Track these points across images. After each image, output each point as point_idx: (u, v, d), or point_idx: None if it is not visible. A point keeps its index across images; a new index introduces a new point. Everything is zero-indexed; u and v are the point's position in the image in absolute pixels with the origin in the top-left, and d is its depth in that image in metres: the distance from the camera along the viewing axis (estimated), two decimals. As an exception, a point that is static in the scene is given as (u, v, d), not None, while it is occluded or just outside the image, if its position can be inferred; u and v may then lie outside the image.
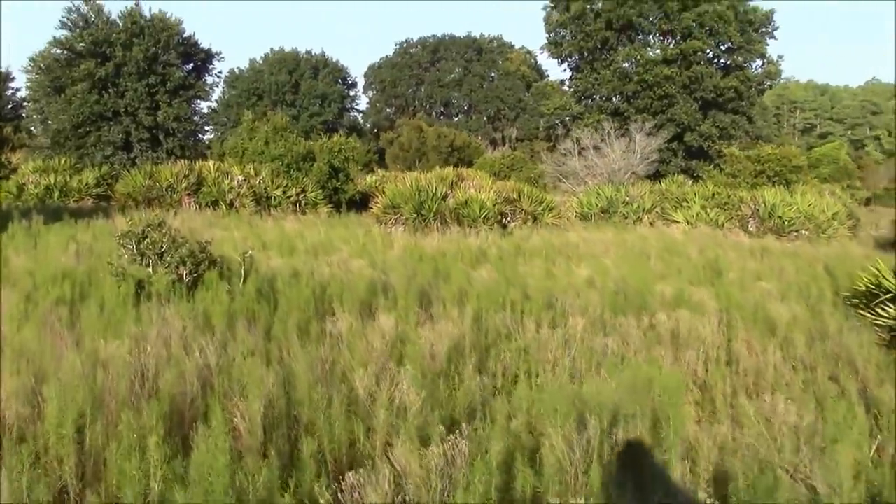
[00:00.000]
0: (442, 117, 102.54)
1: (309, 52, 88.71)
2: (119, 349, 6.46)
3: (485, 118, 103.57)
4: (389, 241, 17.18)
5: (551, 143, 55.62)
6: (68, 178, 31.16)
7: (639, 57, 46.10)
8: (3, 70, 61.25)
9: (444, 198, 22.50)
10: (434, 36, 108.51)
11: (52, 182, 30.66)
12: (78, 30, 35.68)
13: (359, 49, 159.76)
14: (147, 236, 9.99)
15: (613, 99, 47.10)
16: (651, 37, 47.87)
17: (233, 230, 19.47)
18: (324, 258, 13.67)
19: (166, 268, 9.70)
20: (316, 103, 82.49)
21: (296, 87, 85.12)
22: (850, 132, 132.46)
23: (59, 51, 35.81)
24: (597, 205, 27.04)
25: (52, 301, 8.74)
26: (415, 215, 22.17)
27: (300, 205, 31.11)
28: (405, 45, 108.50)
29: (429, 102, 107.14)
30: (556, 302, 9.37)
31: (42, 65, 35.76)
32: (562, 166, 35.65)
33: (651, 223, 26.14)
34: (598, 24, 46.95)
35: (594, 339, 8.07)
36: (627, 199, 27.00)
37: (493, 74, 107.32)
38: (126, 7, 36.62)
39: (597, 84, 47.26)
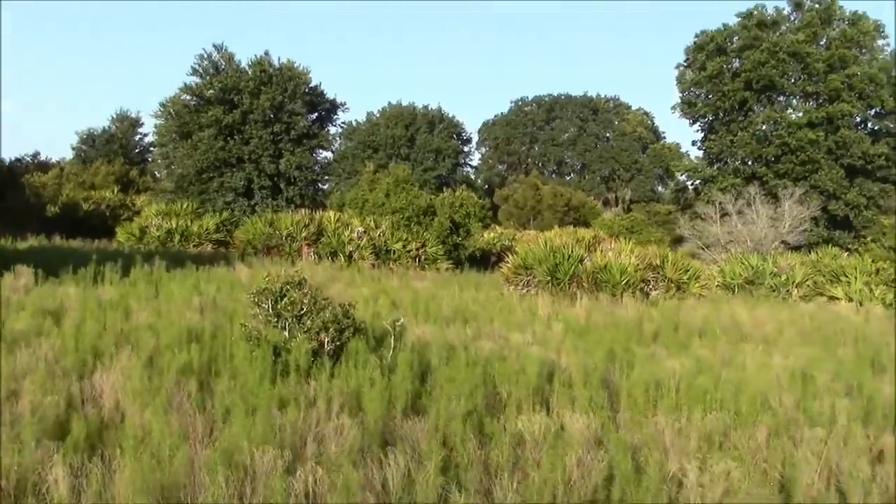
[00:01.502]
0: (554, 176, 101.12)
1: (425, 107, 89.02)
2: (265, 455, 5.05)
3: (598, 178, 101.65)
4: (531, 308, 15.60)
5: (679, 207, 53.26)
6: (189, 223, 30.94)
7: (780, 119, 43.59)
8: (133, 116, 63.41)
9: (581, 260, 20.83)
10: (549, 94, 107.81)
11: (174, 226, 30.47)
12: (208, 77, 35.93)
13: (474, 105, 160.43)
14: (285, 295, 8.71)
15: (749, 162, 44.56)
16: (793, 99, 45.38)
17: (359, 286, 18.29)
18: (471, 326, 12.19)
19: (305, 333, 8.37)
20: (430, 157, 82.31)
21: (411, 140, 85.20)
22: None
23: (188, 97, 36.09)
24: (741, 275, 24.88)
25: (178, 368, 7.49)
26: (548, 278, 20.56)
27: (420, 259, 30.00)
28: (520, 103, 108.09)
29: (541, 161, 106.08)
30: (779, 406, 7.57)
31: (171, 110, 36.08)
32: (700, 232, 33.49)
33: (803, 298, 23.81)
34: (737, 84, 44.74)
35: None
36: (776, 270, 24.76)
37: (608, 134, 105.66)
38: (255, 55, 36.57)
39: (733, 146, 44.90)
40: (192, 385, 7.01)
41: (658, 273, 20.92)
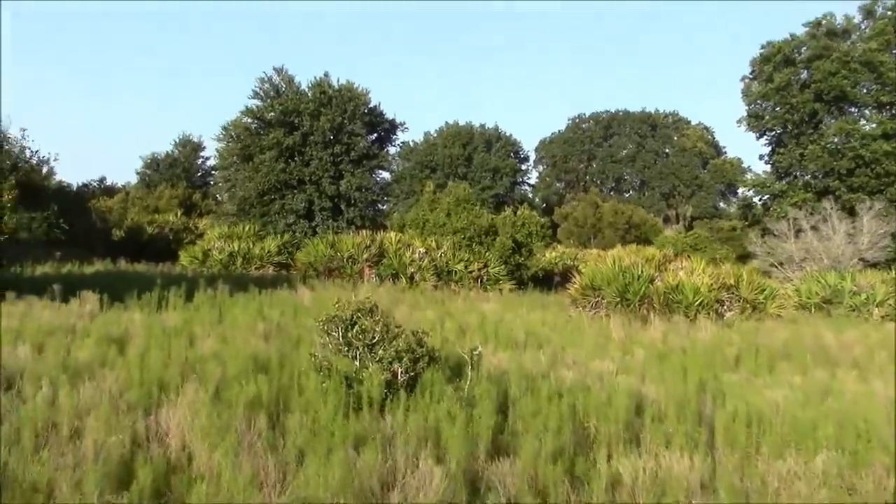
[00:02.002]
0: (613, 193, 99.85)
1: (482, 126, 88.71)
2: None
3: (658, 195, 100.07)
4: (603, 331, 14.98)
5: (746, 223, 51.85)
6: (251, 246, 30.98)
7: (853, 131, 42.15)
8: (195, 140, 64.36)
9: (651, 280, 20.13)
10: (607, 111, 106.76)
11: (236, 249, 30.53)
12: (269, 99, 36.07)
13: (531, 123, 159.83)
14: (356, 323, 8.30)
15: (820, 176, 43.07)
16: (866, 109, 43.87)
17: (424, 309, 17.87)
18: (545, 352, 11.64)
19: (377, 362, 7.95)
20: (488, 176, 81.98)
21: (468, 160, 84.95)
22: None
23: (249, 120, 36.26)
24: (818, 294, 23.87)
25: (246, 402, 7.11)
26: (618, 299, 19.90)
27: (482, 280, 29.53)
28: (577, 120, 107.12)
29: (600, 178, 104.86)
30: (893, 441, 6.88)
31: (233, 133, 36.28)
32: (772, 249, 32.35)
33: (884, 318, 22.71)
34: (806, 96, 43.43)
35: None
36: (855, 288, 23.71)
37: (667, 150, 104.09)
38: (315, 77, 36.64)
39: (803, 160, 43.53)
40: (261, 421, 6.61)
41: (733, 293, 20.11)
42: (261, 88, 36.24)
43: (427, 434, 6.45)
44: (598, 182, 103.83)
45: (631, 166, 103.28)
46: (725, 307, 19.79)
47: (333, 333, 8.39)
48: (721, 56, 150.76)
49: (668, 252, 23.82)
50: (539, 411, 7.06)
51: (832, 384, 10.07)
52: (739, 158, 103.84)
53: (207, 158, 62.56)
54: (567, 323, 16.54)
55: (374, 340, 8.15)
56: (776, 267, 30.80)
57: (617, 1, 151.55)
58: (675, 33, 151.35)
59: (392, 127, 38.58)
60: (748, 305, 20.10)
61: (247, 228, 32.53)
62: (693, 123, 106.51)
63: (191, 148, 63.72)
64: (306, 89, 36.40)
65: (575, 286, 21.35)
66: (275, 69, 36.32)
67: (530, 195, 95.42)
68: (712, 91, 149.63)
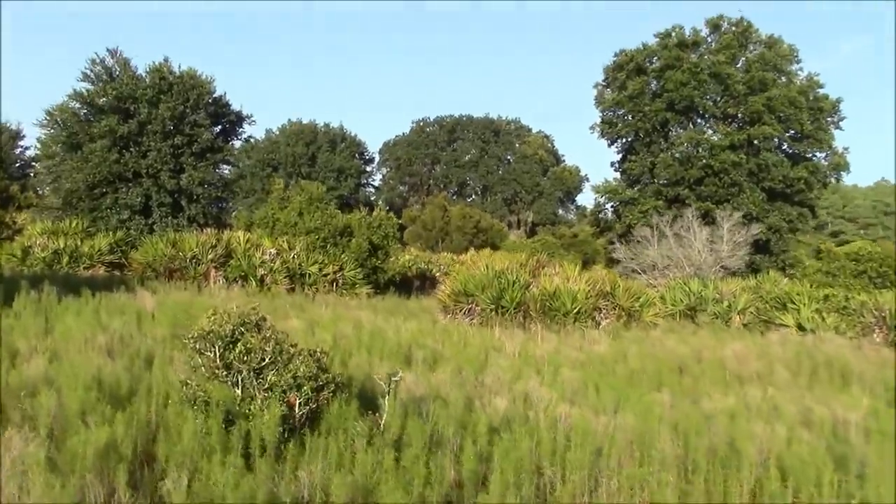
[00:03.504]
0: (456, 197, 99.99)
1: (327, 125, 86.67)
2: None
3: (500, 200, 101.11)
4: (492, 343, 13.71)
5: (598, 229, 52.43)
6: (79, 243, 27.83)
7: (704, 141, 43.25)
8: (14, 128, 58.93)
9: (527, 287, 19.13)
10: (451, 115, 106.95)
11: (62, 246, 27.32)
12: (101, 83, 32.73)
13: (374, 124, 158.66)
14: (238, 340, 6.56)
15: (671, 184, 43.81)
16: (713, 120, 45.16)
17: (285, 317, 16.01)
18: (444, 369, 10.19)
19: (267, 390, 6.26)
20: (332, 177, 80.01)
21: (312, 159, 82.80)
22: (862, 231, 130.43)
23: (78, 105, 32.77)
24: (682, 301, 23.70)
25: (97, 452, 5.24)
26: (492, 306, 18.77)
27: (337, 284, 27.80)
28: (422, 124, 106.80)
29: (443, 182, 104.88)
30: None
31: (59, 119, 32.63)
32: (637, 255, 32.32)
33: (745, 326, 22.79)
34: (658, 105, 44.22)
35: None
36: (717, 296, 23.72)
37: (509, 157, 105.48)
38: (153, 62, 33.60)
39: (654, 168, 44.28)
40: (121, 483, 4.79)
41: (609, 300, 19.41)
42: (92, 70, 32.78)
43: (353, 492, 4.84)
44: (442, 186, 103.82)
45: (474, 171, 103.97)
46: (602, 314, 19.04)
47: (208, 353, 6.58)
48: (562, 64, 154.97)
49: (541, 257, 22.97)
50: (484, 455, 5.59)
51: (763, 405, 9.18)
52: (577, 166, 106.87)
53: (27, 148, 57.43)
54: (452, 333, 15.15)
55: (264, 363, 6.43)
56: (639, 273, 30.79)
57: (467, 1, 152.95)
58: (521, 39, 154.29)
59: (238, 119, 36.02)
60: (624, 313, 19.46)
61: (74, 224, 29.22)
62: (534, 131, 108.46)
63: (8, 136, 58.21)
64: (144, 74, 33.32)
65: (445, 292, 20.09)
66: (108, 50, 33.01)
67: (373, 197, 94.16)
68: (551, 99, 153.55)
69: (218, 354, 6.55)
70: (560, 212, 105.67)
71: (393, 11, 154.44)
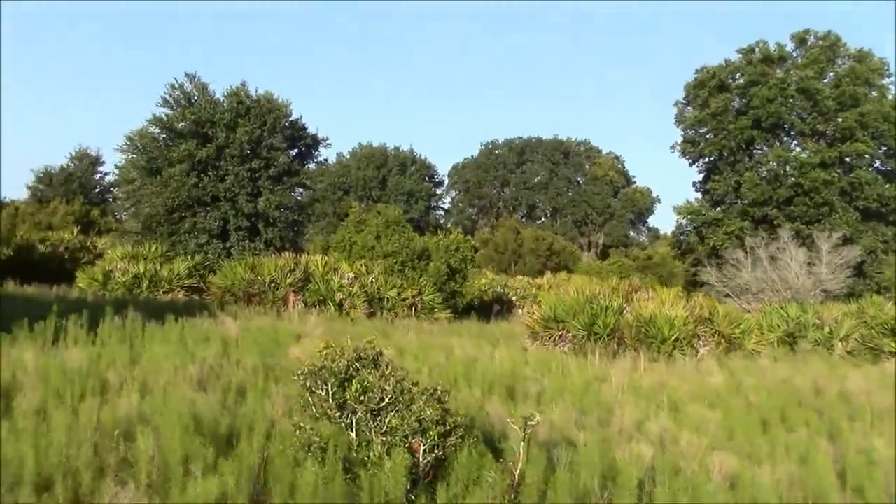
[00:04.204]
0: (525, 220, 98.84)
1: (397, 148, 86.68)
2: None
3: (571, 222, 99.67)
4: (588, 371, 12.85)
5: (679, 251, 50.95)
6: (159, 267, 27.80)
7: (793, 159, 41.67)
8: (94, 154, 60.20)
9: (621, 312, 18.20)
10: (520, 137, 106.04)
11: (142, 271, 27.32)
12: (180, 108, 32.93)
13: (443, 147, 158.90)
14: (353, 377, 5.89)
15: (758, 204, 42.13)
16: (802, 137, 43.45)
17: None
18: (555, 405, 9.38)
19: (385, 434, 5.56)
20: (403, 200, 79.78)
21: (383, 182, 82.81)
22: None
23: (157, 130, 33.02)
24: (780, 327, 22.42)
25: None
26: (584, 332, 17.88)
27: (416, 308, 27.21)
28: (490, 146, 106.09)
29: (513, 204, 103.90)
30: None
31: (139, 144, 32.89)
32: (729, 279, 30.99)
33: (849, 353, 21.43)
34: (743, 122, 42.77)
35: None
36: (818, 321, 22.39)
37: (579, 178, 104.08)
38: (231, 86, 33.68)
39: (740, 187, 42.77)
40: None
41: (708, 327, 18.34)
42: (170, 95, 33.06)
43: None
44: (511, 208, 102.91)
45: (544, 193, 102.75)
46: (701, 342, 17.99)
47: (319, 391, 5.92)
48: (631, 87, 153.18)
49: (634, 281, 22.00)
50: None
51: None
52: (649, 188, 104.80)
53: (106, 173, 58.68)
54: (544, 362, 14.33)
55: (383, 404, 5.74)
56: (731, 297, 29.48)
57: (534, 33, 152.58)
58: (588, 62, 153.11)
59: (314, 142, 35.89)
60: (723, 340, 18.36)
61: (153, 248, 29.26)
62: (604, 152, 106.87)
63: (88, 162, 59.62)
64: (222, 98, 33.42)
65: (534, 317, 19.25)
66: (187, 75, 33.28)
67: (442, 220, 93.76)
68: (622, 120, 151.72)
69: (330, 393, 5.89)
70: (631, 233, 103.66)
71: (461, 34, 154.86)
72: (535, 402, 9.96)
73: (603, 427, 8.50)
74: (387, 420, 5.70)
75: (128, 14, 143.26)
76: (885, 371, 16.24)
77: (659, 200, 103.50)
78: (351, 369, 6.00)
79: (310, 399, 6.01)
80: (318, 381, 5.98)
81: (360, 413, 5.78)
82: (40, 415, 6.80)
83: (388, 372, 5.99)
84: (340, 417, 5.87)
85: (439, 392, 6.12)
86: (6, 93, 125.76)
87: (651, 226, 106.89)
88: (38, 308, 14.91)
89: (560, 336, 18.29)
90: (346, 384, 5.92)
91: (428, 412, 5.61)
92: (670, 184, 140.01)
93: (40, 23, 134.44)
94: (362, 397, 5.78)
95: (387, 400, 5.79)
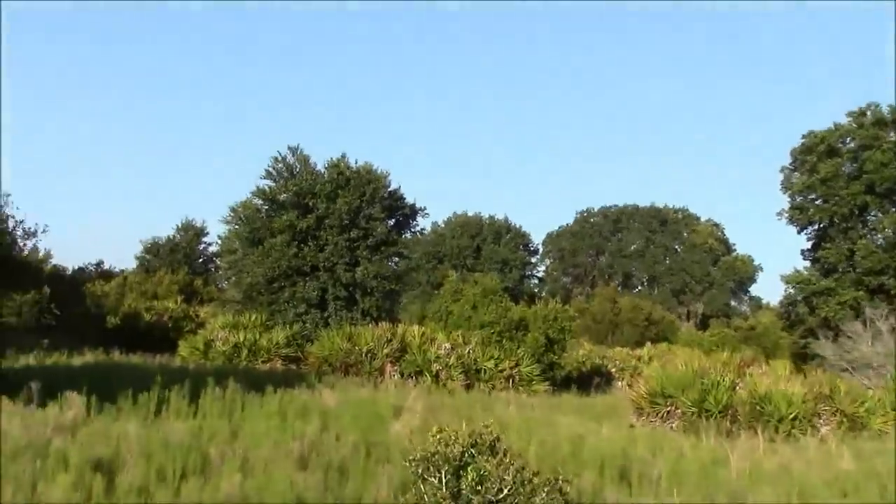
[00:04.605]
0: (621, 288, 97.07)
1: (491, 217, 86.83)
2: None
3: (669, 291, 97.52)
4: (704, 453, 12.04)
5: (787, 322, 48.91)
6: (258, 336, 28.06)
7: (909, 225, 39.93)
8: (198, 225, 62.16)
9: (733, 388, 17.27)
10: (615, 205, 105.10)
11: (241, 339, 27.62)
12: (282, 180, 33.64)
13: (538, 215, 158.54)
14: (468, 464, 5.47)
15: (875, 274, 40.16)
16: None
17: (474, 419, 14.90)
18: (676, 493, 8.73)
19: (503, 530, 5.11)
20: (497, 268, 79.46)
21: (477, 251, 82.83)
22: None
23: (260, 201, 33.75)
24: (904, 404, 20.89)
25: None
26: (694, 409, 17.00)
27: (514, 380, 26.60)
28: (585, 214, 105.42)
29: (608, 272, 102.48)
30: None
31: (242, 215, 33.63)
32: (849, 352, 29.41)
33: None
34: (856, 187, 41.16)
35: None
36: (948, 399, 20.79)
37: (677, 246, 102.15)
38: (331, 158, 34.26)
39: (853, 255, 40.98)
40: None
41: (829, 404, 17.22)
42: (273, 168, 33.81)
43: None
44: (607, 277, 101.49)
45: (640, 261, 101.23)
46: (822, 420, 16.86)
47: (432, 479, 5.52)
48: (730, 152, 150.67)
49: (747, 354, 20.97)
50: None
51: None
52: (750, 255, 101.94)
53: (210, 244, 60.35)
54: (654, 441, 13.57)
55: (501, 496, 5.29)
56: (849, 372, 27.87)
57: (624, 95, 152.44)
58: (684, 128, 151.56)
59: (412, 212, 36.06)
60: (845, 419, 17.18)
61: (253, 318, 29.64)
62: (702, 219, 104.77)
63: (193, 233, 61.52)
64: (322, 169, 34.00)
65: (639, 392, 18.45)
66: (289, 148, 33.99)
67: (537, 289, 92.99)
68: (721, 186, 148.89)
69: (444, 481, 5.49)
70: (733, 303, 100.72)
71: (551, 99, 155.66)
72: (651, 487, 9.31)
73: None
74: (505, 512, 5.26)
75: (229, 84, 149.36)
76: None
77: (761, 269, 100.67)
78: (466, 455, 5.60)
79: (422, 487, 5.62)
80: (431, 468, 5.59)
81: (474, 501, 5.34)
82: (142, 495, 6.58)
83: (507, 460, 5.56)
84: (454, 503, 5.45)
85: (560, 482, 5.65)
86: (116, 171, 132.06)
87: (753, 295, 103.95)
88: (141, 377, 15.04)
89: (668, 412, 17.44)
90: (461, 472, 5.51)
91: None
92: (773, 252, 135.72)
93: (151, 94, 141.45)
94: (479, 487, 5.36)
95: (506, 491, 5.35)
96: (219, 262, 50.69)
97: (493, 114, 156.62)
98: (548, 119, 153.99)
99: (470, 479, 5.43)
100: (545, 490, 5.38)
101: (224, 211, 35.65)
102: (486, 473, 5.44)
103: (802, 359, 38.97)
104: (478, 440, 5.74)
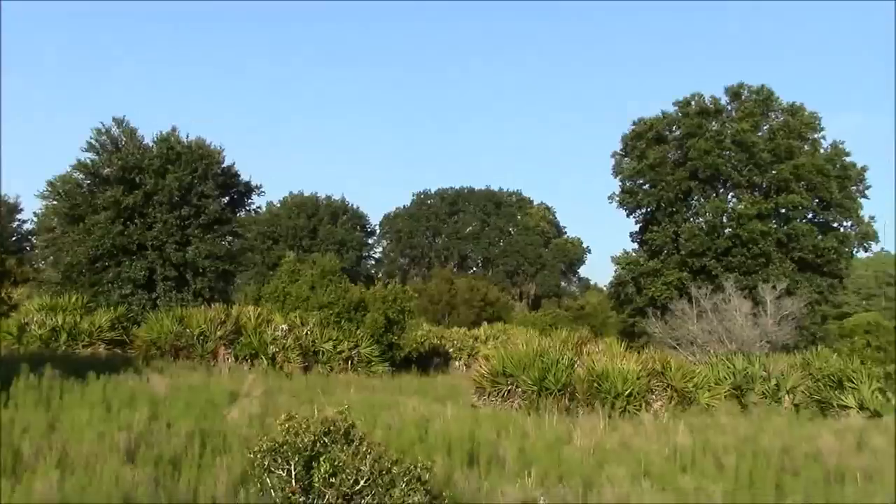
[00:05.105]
0: (457, 270, 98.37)
1: (328, 197, 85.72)
2: None
3: (503, 272, 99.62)
4: (556, 433, 12.06)
5: (617, 302, 50.75)
6: (78, 319, 26.15)
7: (732, 210, 42.21)
8: (11, 201, 57.79)
9: (572, 366, 17.56)
10: (452, 188, 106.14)
11: (60, 323, 25.67)
12: (106, 153, 31.44)
13: (375, 196, 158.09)
14: (320, 454, 4.99)
15: (697, 255, 42.25)
16: (737, 190, 44.06)
17: (312, 402, 14.34)
18: (526, 474, 8.55)
19: (358, 525, 4.67)
20: (334, 250, 78.52)
21: (314, 232, 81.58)
22: (864, 302, 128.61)
23: (82, 175, 31.45)
24: (726, 379, 22.04)
25: None
26: (535, 388, 17.16)
27: (353, 361, 26.17)
28: (422, 196, 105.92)
29: (444, 254, 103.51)
30: None
31: (61, 190, 31.23)
32: (675, 330, 30.71)
33: (796, 406, 21.18)
34: (681, 173, 43.16)
35: None
36: (765, 374, 22.13)
37: (511, 229, 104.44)
38: (161, 131, 32.37)
39: (678, 238, 43.01)
40: None
41: (661, 380, 17.82)
42: (97, 140, 31.53)
43: None
44: (443, 258, 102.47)
45: (476, 243, 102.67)
46: (654, 396, 17.43)
47: (280, 471, 5.00)
48: (561, 135, 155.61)
49: (584, 333, 21.44)
50: None
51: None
52: (579, 238, 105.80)
53: (24, 221, 56.30)
54: (498, 421, 13.50)
55: (358, 487, 4.85)
56: (676, 349, 29.16)
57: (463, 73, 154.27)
58: (521, 109, 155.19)
59: (247, 189, 34.73)
60: (676, 395, 17.84)
61: (74, 300, 27.57)
62: (535, 203, 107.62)
63: (5, 209, 57.12)
64: (151, 143, 32.08)
65: (481, 371, 18.46)
66: (114, 120, 31.84)
67: (374, 270, 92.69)
68: (554, 170, 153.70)
69: (293, 474, 4.98)
70: (563, 283, 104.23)
71: (392, 78, 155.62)
72: (500, 469, 9.14)
73: (593, 499, 7.73)
74: (362, 505, 4.83)
75: (51, 48, 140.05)
76: (843, 427, 15.84)
77: (589, 251, 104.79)
78: (318, 445, 5.12)
79: (268, 480, 5.09)
80: (279, 459, 5.07)
81: (329, 497, 4.88)
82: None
83: (363, 449, 5.12)
84: (306, 502, 4.96)
85: (419, 470, 5.27)
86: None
87: (582, 276, 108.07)
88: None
89: (509, 392, 17.53)
90: (312, 463, 5.03)
91: (415, 498, 4.76)
92: (600, 235, 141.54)
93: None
94: (332, 479, 4.90)
95: (362, 482, 4.91)
96: (35, 241, 47.31)
97: (330, 91, 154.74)
98: (386, 99, 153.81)
99: (322, 470, 4.96)
100: (404, 480, 4.99)
101: (41, 185, 33.13)
102: (340, 464, 4.99)
103: (630, 336, 40.64)
104: (331, 428, 5.28)
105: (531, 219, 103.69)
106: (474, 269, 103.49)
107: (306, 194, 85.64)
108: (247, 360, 24.48)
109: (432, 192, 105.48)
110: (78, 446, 8.53)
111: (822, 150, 44.27)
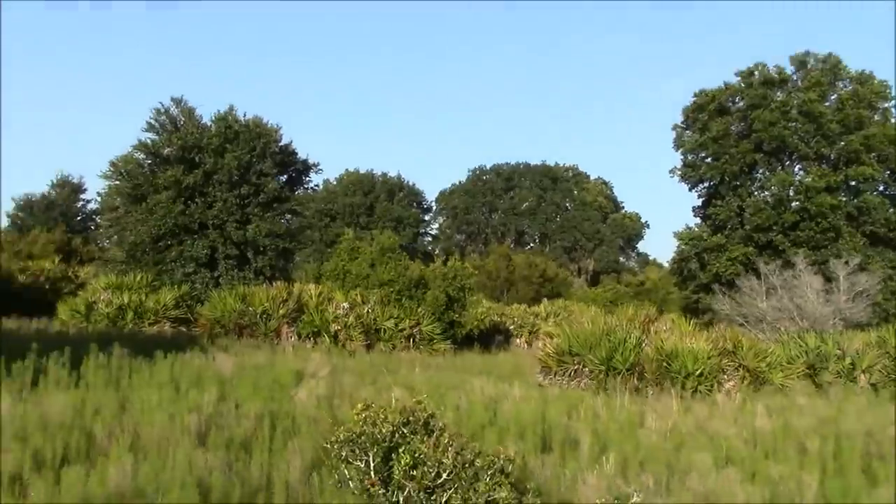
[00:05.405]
0: (514, 246, 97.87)
1: (385, 174, 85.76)
2: None
3: (560, 248, 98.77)
4: (627, 415, 11.72)
5: (680, 278, 49.88)
6: (144, 298, 26.43)
7: (799, 183, 41.07)
8: (76, 181, 58.96)
9: (640, 345, 17.15)
10: (508, 163, 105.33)
11: (126, 301, 25.96)
12: (166, 133, 31.76)
13: (431, 173, 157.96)
14: (399, 445, 4.78)
15: (763, 230, 41.24)
16: (804, 162, 42.84)
17: (380, 385, 14.22)
18: (605, 461, 8.27)
19: (442, 518, 4.45)
20: (391, 227, 78.62)
21: (370, 209, 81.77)
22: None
23: (143, 155, 31.83)
24: (798, 358, 21.36)
25: None
26: (602, 367, 16.80)
27: (414, 339, 26.06)
28: (478, 172, 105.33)
29: (501, 230, 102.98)
30: None
31: (123, 170, 31.61)
32: (743, 307, 29.96)
33: (873, 386, 20.45)
34: (745, 146, 42.06)
35: None
36: (839, 352, 21.39)
37: (568, 204, 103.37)
38: (219, 110, 32.56)
39: (743, 212, 42.02)
40: None
41: (732, 360, 17.31)
42: (156, 120, 31.87)
43: None
44: (500, 234, 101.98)
45: (532, 219, 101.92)
46: (726, 376, 16.94)
47: (358, 462, 4.80)
48: (618, 109, 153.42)
49: (650, 311, 20.96)
50: None
51: None
52: (638, 213, 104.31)
53: (89, 201, 57.51)
54: (567, 402, 13.19)
55: (439, 480, 4.63)
56: (745, 326, 28.45)
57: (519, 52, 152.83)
58: (577, 86, 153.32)
59: (305, 168, 34.82)
60: (748, 375, 17.31)
61: (138, 278, 27.89)
62: (592, 178, 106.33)
63: (70, 189, 58.42)
64: (209, 123, 32.29)
65: (546, 350, 18.15)
66: (173, 100, 32.15)
67: (430, 247, 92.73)
68: (610, 144, 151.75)
69: (372, 466, 4.78)
70: (621, 259, 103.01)
71: (447, 59, 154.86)
72: (575, 453, 8.87)
73: (678, 489, 7.42)
74: (444, 500, 4.61)
75: (113, 32, 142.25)
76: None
77: (647, 226, 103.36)
78: (397, 436, 4.91)
79: (345, 471, 4.90)
80: (357, 450, 4.87)
81: (409, 491, 4.67)
82: (14, 486, 5.64)
83: (445, 441, 4.89)
84: (386, 495, 4.76)
85: (501, 461, 5.02)
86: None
87: (640, 252, 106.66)
88: (16, 345, 13.68)
89: (575, 371, 17.20)
90: (391, 455, 4.82)
91: (502, 493, 4.52)
92: (660, 209, 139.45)
93: (20, 40, 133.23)
94: (413, 472, 4.68)
95: (444, 475, 4.69)
96: (99, 220, 48.22)
97: (386, 70, 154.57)
98: (442, 76, 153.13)
99: (403, 463, 4.74)
100: (488, 473, 4.76)
101: (104, 166, 33.62)
102: (420, 457, 4.76)
103: (693, 313, 39.87)
104: (410, 418, 5.06)
105: (588, 194, 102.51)
106: (531, 245, 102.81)
107: (362, 171, 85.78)
108: (309, 338, 24.54)
109: (488, 167, 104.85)
110: (149, 429, 8.49)
111: (893, 120, 42.68)
